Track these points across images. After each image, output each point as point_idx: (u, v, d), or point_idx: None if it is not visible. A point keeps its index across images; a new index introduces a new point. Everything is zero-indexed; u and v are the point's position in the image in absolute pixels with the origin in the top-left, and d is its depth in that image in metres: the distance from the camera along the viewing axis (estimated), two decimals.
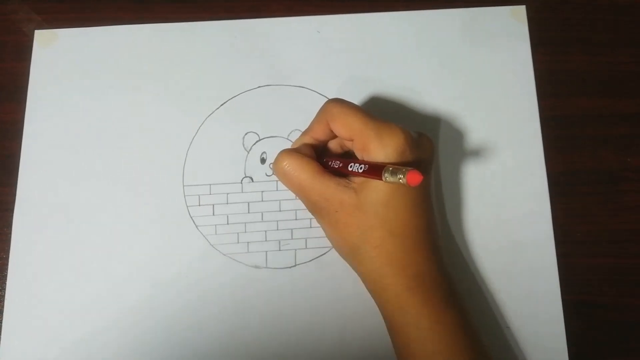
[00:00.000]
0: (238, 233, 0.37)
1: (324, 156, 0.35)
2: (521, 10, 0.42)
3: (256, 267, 0.37)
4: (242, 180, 0.38)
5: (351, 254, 0.33)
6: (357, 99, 0.40)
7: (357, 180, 0.32)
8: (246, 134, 0.39)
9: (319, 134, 0.34)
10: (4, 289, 0.36)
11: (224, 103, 0.39)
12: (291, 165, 0.32)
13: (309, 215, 0.37)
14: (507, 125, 0.39)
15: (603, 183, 0.39)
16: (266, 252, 0.37)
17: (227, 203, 0.38)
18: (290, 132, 0.39)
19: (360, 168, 0.30)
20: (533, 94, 0.40)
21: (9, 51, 0.41)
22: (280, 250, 0.37)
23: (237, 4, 0.42)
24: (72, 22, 0.41)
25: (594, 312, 0.37)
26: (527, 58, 0.41)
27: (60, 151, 0.38)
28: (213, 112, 0.39)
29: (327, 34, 0.41)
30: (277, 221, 0.37)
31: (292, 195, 0.38)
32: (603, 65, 0.41)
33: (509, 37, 0.41)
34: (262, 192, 0.38)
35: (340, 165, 0.32)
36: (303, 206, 0.37)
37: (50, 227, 0.37)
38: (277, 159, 0.33)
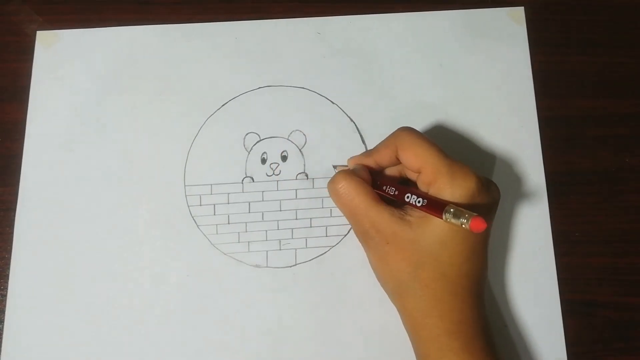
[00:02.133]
0: (239, 233, 0.37)
1: (377, 179, 0.34)
2: (519, 11, 0.42)
3: (257, 266, 0.37)
4: (242, 180, 0.38)
5: (397, 290, 0.32)
6: (357, 99, 0.40)
7: (415, 214, 0.31)
8: (247, 134, 0.39)
9: (383, 159, 0.33)
10: (6, 289, 0.36)
11: (225, 104, 0.40)
12: (347, 189, 0.32)
13: (309, 215, 0.38)
14: (505, 125, 0.40)
15: (601, 183, 0.39)
16: (267, 251, 0.37)
17: (228, 203, 0.38)
18: (291, 133, 0.39)
19: (419, 201, 0.30)
20: (531, 95, 0.40)
21: (11, 52, 0.41)
22: (280, 249, 0.37)
23: (238, 6, 0.42)
24: (74, 23, 0.41)
25: (592, 312, 0.37)
26: (525, 59, 0.41)
27: (61, 151, 0.39)
28: (214, 112, 0.39)
29: (328, 35, 0.41)
30: (278, 221, 0.38)
31: (292, 195, 0.38)
32: (601, 65, 0.42)
33: (507, 39, 0.41)
34: (263, 192, 0.38)
35: (396, 192, 0.31)
36: (303, 206, 0.38)
37: (52, 226, 0.37)
38: (333, 180, 0.33)
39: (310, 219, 0.38)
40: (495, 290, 0.37)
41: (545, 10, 0.42)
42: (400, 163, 0.33)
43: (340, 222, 0.37)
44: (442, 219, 0.28)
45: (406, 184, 0.35)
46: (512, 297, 0.37)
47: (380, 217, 0.31)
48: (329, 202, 0.38)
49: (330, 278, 0.37)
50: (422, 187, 0.32)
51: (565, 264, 0.37)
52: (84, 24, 0.41)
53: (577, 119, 0.40)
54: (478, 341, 0.31)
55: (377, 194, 0.32)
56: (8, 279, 0.36)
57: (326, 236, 0.37)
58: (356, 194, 0.31)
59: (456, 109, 0.40)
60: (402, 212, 0.31)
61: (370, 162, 0.34)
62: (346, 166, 0.37)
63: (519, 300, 0.37)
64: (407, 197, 0.30)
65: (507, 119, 0.40)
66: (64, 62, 0.40)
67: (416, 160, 0.31)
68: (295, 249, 0.37)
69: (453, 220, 0.27)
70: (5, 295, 0.36)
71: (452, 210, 0.27)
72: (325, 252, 0.37)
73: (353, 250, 0.37)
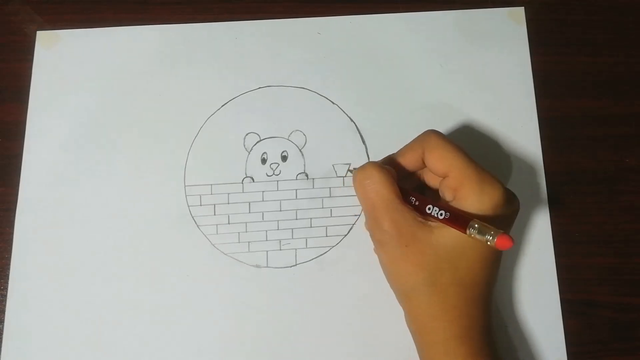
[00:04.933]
0: (239, 233, 0.37)
1: (402, 184, 0.33)
2: (520, 11, 0.42)
3: (257, 266, 0.37)
4: (243, 181, 0.38)
5: (409, 292, 0.31)
6: (357, 99, 0.40)
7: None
8: (247, 134, 0.39)
9: (409, 162, 0.33)
10: (6, 289, 0.36)
11: (225, 104, 0.40)
12: (377, 182, 0.30)
13: (309, 215, 0.38)
14: (505, 126, 0.40)
15: (601, 183, 0.39)
16: (267, 251, 0.37)
17: (228, 203, 0.38)
18: (291, 133, 0.39)
19: (441, 214, 0.29)
20: (531, 95, 0.40)
21: (11, 52, 0.41)
22: (280, 249, 0.37)
23: (238, 6, 0.42)
24: (74, 23, 0.41)
25: (592, 312, 0.37)
26: (525, 59, 0.41)
27: (62, 151, 0.39)
28: (214, 112, 0.39)
29: (328, 36, 0.41)
30: (278, 221, 0.38)
31: (292, 195, 0.38)
32: (601, 66, 0.42)
33: (507, 39, 0.41)
34: (263, 192, 0.38)
35: (417, 203, 0.31)
36: (303, 206, 0.38)
37: (52, 227, 0.37)
38: (362, 169, 0.31)
39: (310, 219, 0.38)
40: (496, 290, 0.37)
41: (545, 10, 0.42)
42: (424, 168, 0.33)
43: (340, 222, 0.38)
44: (465, 233, 0.28)
45: (422, 192, 0.34)
46: (512, 297, 0.37)
47: (403, 218, 0.30)
48: (329, 202, 0.38)
49: (330, 278, 0.37)
50: (446, 192, 0.31)
51: (565, 264, 0.37)
52: (84, 24, 0.41)
53: (577, 119, 0.40)
54: (485, 347, 0.31)
55: (402, 196, 0.31)
56: (8, 279, 0.36)
57: (326, 236, 0.37)
58: (384, 189, 0.30)
59: (456, 109, 0.40)
60: (423, 217, 0.30)
61: (394, 165, 0.33)
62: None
63: (519, 300, 0.37)
64: (429, 208, 0.30)
65: (507, 119, 0.40)
66: (64, 62, 0.40)
67: (444, 165, 0.30)
68: (296, 249, 0.37)
69: (478, 236, 0.27)
70: (5, 295, 0.36)
71: (476, 225, 0.27)
72: (325, 252, 0.37)
73: (353, 251, 0.37)
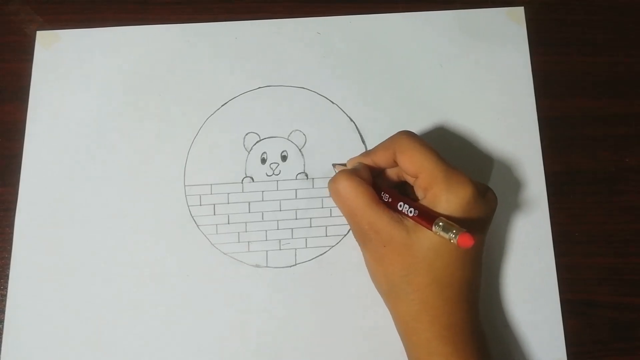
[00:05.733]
0: (239, 232, 0.37)
1: (377, 180, 0.34)
2: (519, 11, 0.42)
3: (257, 266, 0.37)
4: (242, 180, 0.38)
5: (390, 292, 0.32)
6: (357, 99, 0.40)
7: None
8: (247, 134, 0.39)
9: (381, 161, 0.33)
10: (6, 289, 0.36)
11: (225, 104, 0.40)
12: (347, 189, 0.31)
13: (309, 215, 0.38)
14: (505, 125, 0.40)
15: (601, 183, 0.39)
16: (267, 251, 0.37)
17: (228, 203, 0.38)
18: (291, 133, 0.39)
19: (411, 211, 0.30)
20: (531, 95, 0.40)
21: (11, 52, 0.41)
22: (280, 249, 0.37)
23: (238, 6, 0.42)
24: (74, 23, 0.41)
25: (592, 312, 0.37)
26: (525, 59, 0.41)
27: (62, 151, 0.39)
28: (214, 112, 0.39)
29: (328, 35, 0.41)
30: (278, 221, 0.38)
31: (292, 195, 0.38)
32: (601, 65, 0.42)
33: (507, 38, 0.41)
34: (263, 192, 0.38)
35: (390, 200, 0.31)
36: (303, 206, 0.38)
37: (52, 226, 0.37)
38: (334, 179, 0.32)
39: (310, 219, 0.38)
40: (496, 290, 0.37)
41: (545, 10, 0.42)
42: (396, 166, 0.33)
43: (340, 222, 0.38)
44: (432, 230, 0.28)
45: (404, 187, 0.35)
46: (513, 297, 0.37)
47: (379, 219, 0.31)
48: (329, 202, 0.38)
49: (330, 278, 0.37)
50: (419, 191, 0.32)
51: (565, 264, 0.37)
52: (84, 24, 0.41)
53: (577, 119, 0.40)
54: (469, 346, 0.31)
55: (377, 197, 0.32)
56: (8, 279, 0.36)
57: (326, 236, 0.37)
58: (356, 194, 0.31)
59: (456, 109, 0.40)
60: (399, 217, 0.31)
61: (368, 161, 0.34)
62: (345, 165, 0.37)
63: (519, 301, 0.37)
64: (400, 205, 0.31)
65: (507, 119, 0.40)
66: (64, 62, 0.40)
67: (413, 166, 0.31)
68: (295, 249, 0.37)
69: (442, 233, 0.28)
70: (5, 295, 0.36)
71: (441, 223, 0.28)
72: (325, 252, 0.37)
73: (353, 250, 0.37)
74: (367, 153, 0.34)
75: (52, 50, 0.41)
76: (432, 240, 0.30)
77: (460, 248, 0.28)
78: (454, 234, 0.27)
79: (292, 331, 0.36)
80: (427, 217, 0.29)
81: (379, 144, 0.34)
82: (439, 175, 0.30)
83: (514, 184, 0.39)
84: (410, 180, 0.33)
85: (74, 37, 0.41)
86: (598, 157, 0.40)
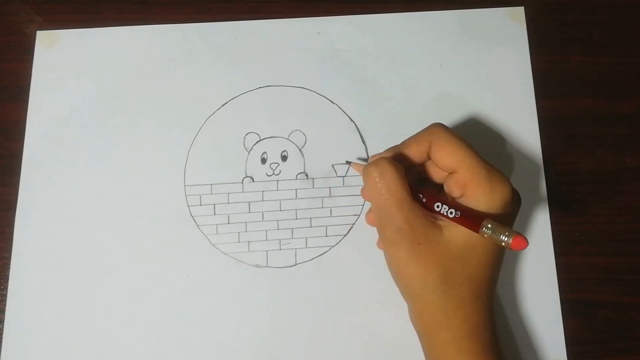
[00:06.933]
0: (239, 232, 0.37)
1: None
2: (519, 11, 0.42)
3: (257, 266, 0.37)
4: (242, 180, 0.38)
5: (420, 291, 0.30)
6: (357, 99, 0.40)
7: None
8: (247, 134, 0.39)
9: (414, 154, 0.31)
10: (6, 289, 0.36)
11: (225, 103, 0.40)
12: (390, 179, 0.29)
13: (309, 215, 0.38)
14: (505, 125, 0.40)
15: (601, 183, 0.39)
16: (267, 251, 0.37)
17: (228, 203, 0.38)
18: (291, 133, 0.39)
19: (451, 212, 0.29)
20: (531, 95, 0.40)
21: (11, 52, 0.41)
22: (280, 249, 0.37)
23: (238, 6, 0.42)
24: (74, 23, 0.41)
25: (592, 312, 0.37)
26: (525, 59, 0.41)
27: (61, 151, 0.39)
28: (214, 112, 0.39)
29: (328, 35, 0.41)
30: (278, 221, 0.38)
31: (292, 195, 0.38)
32: (601, 65, 0.42)
33: (507, 38, 0.41)
34: (263, 192, 0.38)
35: (425, 200, 0.30)
36: (303, 206, 0.38)
37: (52, 226, 0.37)
38: (376, 165, 0.30)
39: (310, 218, 0.38)
40: (496, 289, 0.37)
41: (545, 10, 0.42)
42: (427, 160, 0.32)
43: (340, 222, 0.38)
44: (478, 233, 0.27)
45: (422, 185, 0.34)
46: (512, 297, 0.37)
47: (416, 216, 0.29)
48: (329, 202, 0.38)
49: (330, 278, 0.37)
50: (454, 188, 0.31)
51: (565, 264, 0.37)
52: (84, 24, 0.41)
53: (577, 119, 0.40)
54: (494, 344, 0.31)
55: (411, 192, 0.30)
56: (8, 279, 0.36)
57: (326, 236, 0.37)
58: (397, 186, 0.29)
59: (456, 109, 0.40)
60: (432, 214, 0.30)
61: (398, 158, 0.32)
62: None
63: (519, 300, 0.37)
64: (437, 206, 0.29)
65: (507, 118, 0.40)
66: (64, 62, 0.40)
67: (452, 160, 0.30)
68: (295, 249, 0.37)
69: (493, 236, 0.27)
70: (5, 295, 0.36)
71: (490, 226, 0.27)
72: (325, 252, 0.37)
73: (353, 250, 0.37)
74: (398, 146, 0.32)
75: (52, 50, 0.41)
76: (467, 238, 0.29)
77: (495, 246, 0.27)
78: (506, 236, 0.26)
79: (292, 331, 0.36)
80: (473, 219, 0.28)
81: (411, 137, 0.32)
82: (481, 172, 0.29)
83: (514, 184, 0.38)
84: (440, 175, 0.32)
85: (74, 37, 0.41)
86: (598, 157, 0.40)
